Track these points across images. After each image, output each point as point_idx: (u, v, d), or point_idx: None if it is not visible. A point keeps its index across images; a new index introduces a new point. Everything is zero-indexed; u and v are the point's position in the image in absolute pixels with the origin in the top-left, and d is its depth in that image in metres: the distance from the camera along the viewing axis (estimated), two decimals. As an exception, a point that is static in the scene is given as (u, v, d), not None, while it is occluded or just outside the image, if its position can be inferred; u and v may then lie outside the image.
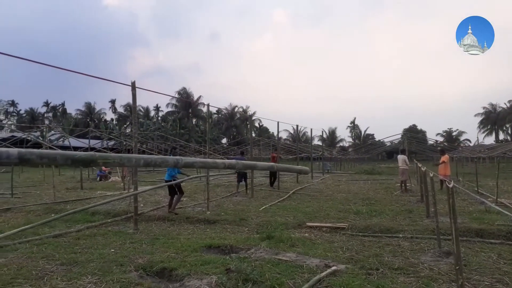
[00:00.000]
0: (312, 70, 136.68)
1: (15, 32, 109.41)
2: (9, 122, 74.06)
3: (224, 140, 74.85)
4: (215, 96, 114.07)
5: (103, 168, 23.40)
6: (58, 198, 12.94)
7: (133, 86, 8.07)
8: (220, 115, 79.16)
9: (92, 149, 28.61)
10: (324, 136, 56.45)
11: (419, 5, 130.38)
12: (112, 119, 75.04)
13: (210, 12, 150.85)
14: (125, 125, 70.99)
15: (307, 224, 8.23)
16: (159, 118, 75.88)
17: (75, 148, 26.94)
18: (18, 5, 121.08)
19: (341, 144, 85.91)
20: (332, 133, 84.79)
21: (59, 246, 6.53)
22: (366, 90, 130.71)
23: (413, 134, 53.99)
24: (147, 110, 74.77)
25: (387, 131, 65.76)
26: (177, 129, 62.91)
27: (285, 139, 74.18)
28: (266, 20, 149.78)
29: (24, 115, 76.55)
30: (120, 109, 75.38)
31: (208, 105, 13.24)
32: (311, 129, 28.30)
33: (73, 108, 79.23)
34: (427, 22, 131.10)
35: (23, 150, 1.53)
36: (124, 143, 35.47)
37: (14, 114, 78.85)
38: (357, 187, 17.57)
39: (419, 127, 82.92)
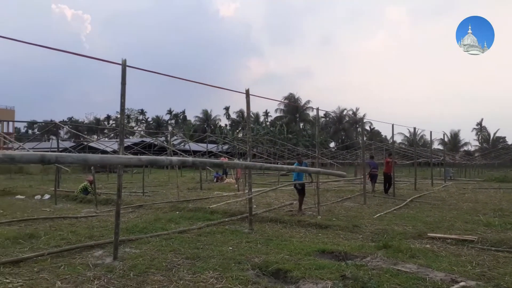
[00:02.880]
0: (431, 69, 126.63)
1: (146, 47, 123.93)
2: (139, 129, 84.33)
3: (332, 144, 73.68)
4: (323, 99, 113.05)
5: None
6: (181, 197, 14.18)
7: (247, 93, 8.47)
8: (327, 119, 78.20)
9: (209, 152, 30.95)
10: (446, 139, 51.80)
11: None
12: (226, 125, 79.78)
13: (321, 16, 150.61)
14: (237, 130, 74.85)
15: (428, 234, 7.61)
16: (268, 123, 78.13)
17: (194, 152, 29.42)
18: (148, 22, 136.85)
19: (465, 148, 77.91)
20: (455, 136, 77.24)
21: (183, 241, 7.13)
22: (495, 88, 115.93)
23: (558, 137, 46.11)
24: (257, 115, 77.67)
25: (523, 133, 57.34)
26: (285, 133, 63.92)
27: (399, 143, 69.94)
28: (379, 19, 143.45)
29: (151, 122, 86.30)
30: (233, 116, 79.88)
31: (317, 109, 13.25)
32: (431, 132, 26.01)
33: (192, 115, 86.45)
34: None
35: (196, 159, 2.16)
36: (237, 147, 37.38)
37: (143, 121, 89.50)
38: (486, 196, 15.66)
39: None
